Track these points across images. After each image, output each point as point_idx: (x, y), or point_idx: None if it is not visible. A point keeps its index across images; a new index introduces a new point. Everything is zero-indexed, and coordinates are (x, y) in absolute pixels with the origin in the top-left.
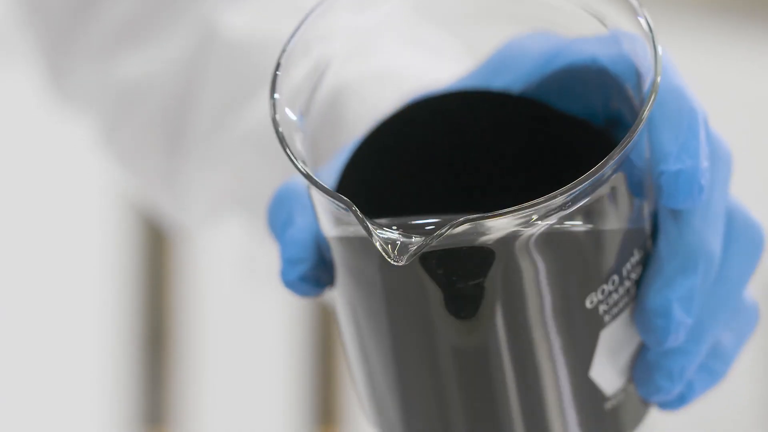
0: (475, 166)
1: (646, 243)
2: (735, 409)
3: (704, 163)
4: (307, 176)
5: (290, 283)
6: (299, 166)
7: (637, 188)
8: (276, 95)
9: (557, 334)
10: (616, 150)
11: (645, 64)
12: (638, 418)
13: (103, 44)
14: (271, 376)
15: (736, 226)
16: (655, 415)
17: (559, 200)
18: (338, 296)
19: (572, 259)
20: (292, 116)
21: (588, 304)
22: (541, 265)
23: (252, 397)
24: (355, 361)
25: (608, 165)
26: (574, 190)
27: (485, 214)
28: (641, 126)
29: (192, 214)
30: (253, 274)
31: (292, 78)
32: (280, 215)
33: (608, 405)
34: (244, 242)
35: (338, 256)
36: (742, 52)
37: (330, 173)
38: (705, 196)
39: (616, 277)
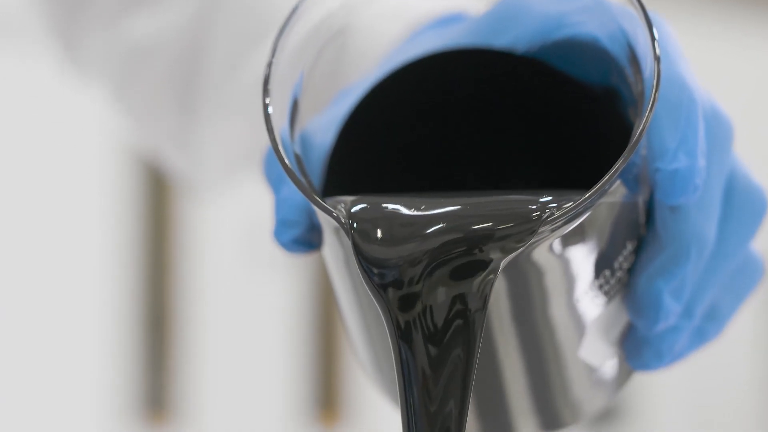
0: (477, 127)
1: (640, 231)
2: (734, 401)
3: (701, 162)
4: (305, 192)
5: (283, 244)
6: (297, 179)
7: (633, 183)
8: (267, 102)
9: (547, 328)
10: (620, 163)
11: (643, 52)
12: (626, 378)
13: (110, 8)
14: (272, 361)
15: (736, 195)
16: (654, 401)
17: (555, 226)
18: (329, 260)
19: (564, 264)
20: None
21: (578, 300)
22: (533, 274)
23: (253, 383)
24: (351, 321)
25: (610, 181)
26: (570, 212)
27: (474, 261)
28: (642, 140)
29: (207, 171)
30: (254, 253)
31: (298, 33)
32: (276, 167)
33: (598, 375)
34: (246, 223)
35: (324, 225)
36: (739, 35)
37: (326, 128)
38: (700, 193)
39: (608, 272)
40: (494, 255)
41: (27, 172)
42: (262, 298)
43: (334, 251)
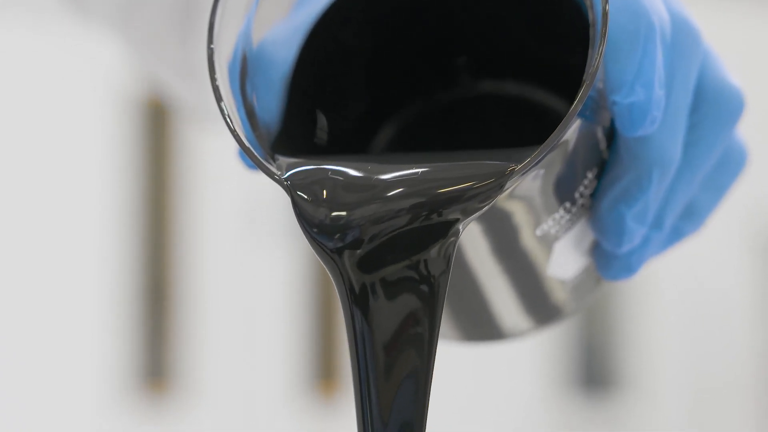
0: (438, 40)
1: (602, 157)
2: (733, 370)
3: (658, 92)
4: (249, 154)
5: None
6: (244, 143)
7: (591, 114)
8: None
9: (516, 257)
10: (575, 107)
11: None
12: (598, 285)
13: None
14: (272, 332)
15: (707, 100)
16: (652, 369)
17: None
18: None
19: (524, 202)
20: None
21: (538, 233)
22: (494, 214)
23: (253, 353)
24: None
25: (565, 128)
26: (524, 171)
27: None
28: (591, 86)
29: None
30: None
31: None
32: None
33: (569, 286)
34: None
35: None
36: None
37: (287, 41)
38: (658, 123)
39: (568, 204)
40: (457, 216)
41: (24, 137)
42: (262, 268)
43: None
